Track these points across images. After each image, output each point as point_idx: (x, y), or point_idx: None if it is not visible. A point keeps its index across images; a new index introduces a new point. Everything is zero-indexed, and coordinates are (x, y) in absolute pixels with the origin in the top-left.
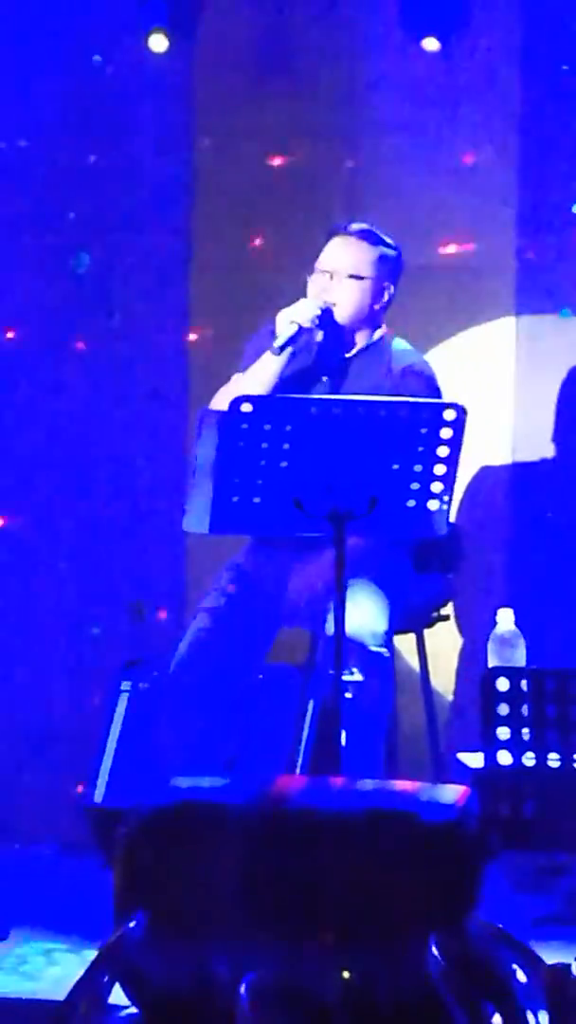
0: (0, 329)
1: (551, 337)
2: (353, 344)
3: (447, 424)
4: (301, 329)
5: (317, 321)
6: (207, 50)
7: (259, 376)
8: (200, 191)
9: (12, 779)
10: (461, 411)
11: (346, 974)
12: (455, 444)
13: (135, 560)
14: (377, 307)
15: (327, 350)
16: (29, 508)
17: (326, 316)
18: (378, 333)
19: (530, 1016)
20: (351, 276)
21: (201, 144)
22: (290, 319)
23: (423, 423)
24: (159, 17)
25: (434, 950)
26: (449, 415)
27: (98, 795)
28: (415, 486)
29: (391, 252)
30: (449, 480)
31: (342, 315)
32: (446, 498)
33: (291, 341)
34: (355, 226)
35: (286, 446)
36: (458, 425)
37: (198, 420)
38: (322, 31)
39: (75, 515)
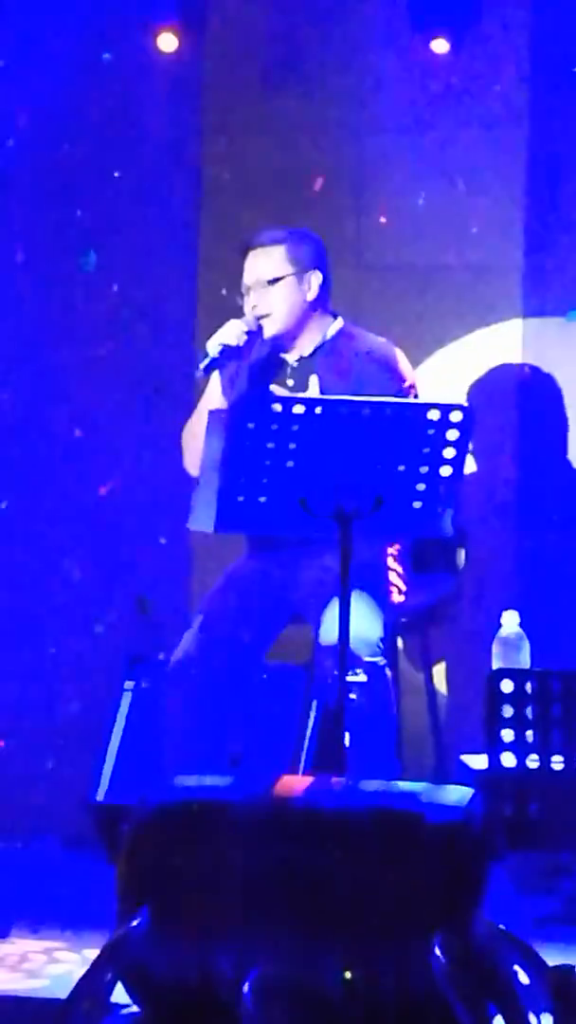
0: (7, 327)
1: (558, 339)
2: (292, 346)
3: (453, 425)
4: (226, 349)
5: (246, 337)
6: (216, 48)
7: (206, 405)
8: (208, 189)
9: (16, 775)
10: (467, 413)
11: (348, 974)
12: (461, 445)
13: (140, 558)
14: (310, 298)
15: (267, 360)
16: (34, 505)
17: (255, 334)
18: (334, 327)
19: (532, 1018)
20: (269, 282)
21: (209, 142)
22: (218, 341)
23: (429, 424)
24: (168, 16)
25: (437, 950)
26: (455, 416)
27: (101, 792)
28: (421, 487)
29: (298, 241)
30: (455, 481)
31: (276, 322)
32: (452, 499)
33: (215, 363)
34: (259, 235)
35: (292, 446)
36: (464, 426)
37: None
38: (331, 31)
39: (80, 512)
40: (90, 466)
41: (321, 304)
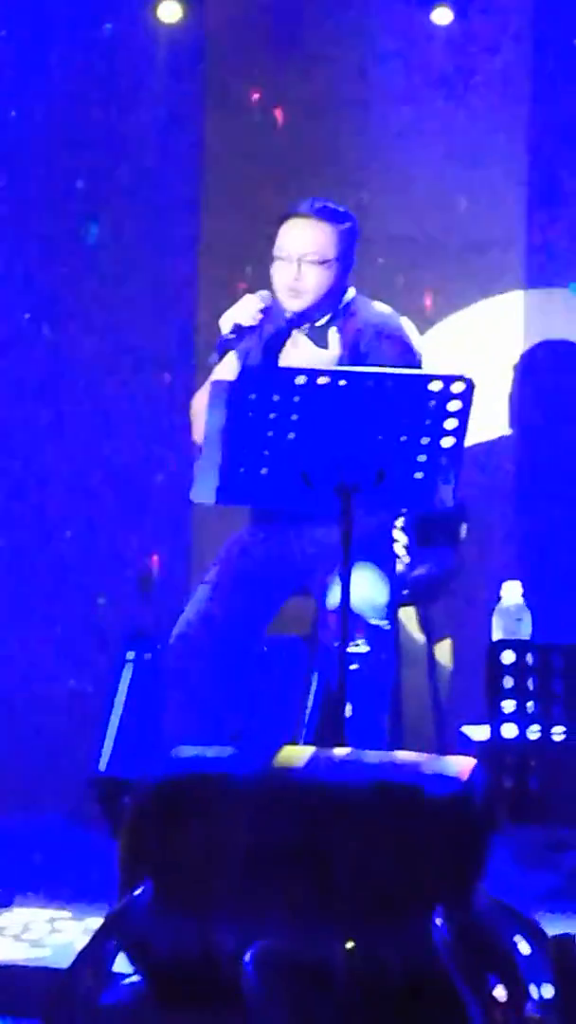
0: (8, 300)
1: (559, 311)
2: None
3: (455, 397)
4: (239, 329)
5: (260, 316)
6: (218, 21)
7: (220, 375)
8: (210, 162)
9: (17, 747)
10: (469, 384)
11: (350, 944)
12: (462, 417)
13: (141, 530)
14: (338, 282)
15: (280, 334)
16: (35, 477)
17: (270, 311)
18: (346, 297)
19: (533, 988)
20: (319, 262)
21: (211, 114)
22: (232, 320)
23: (431, 396)
24: None
25: (438, 922)
26: (457, 388)
27: (102, 764)
28: (422, 458)
29: (348, 224)
30: (456, 453)
31: (310, 301)
32: (453, 471)
33: (230, 344)
34: (315, 204)
35: (294, 417)
36: (466, 398)
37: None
38: (334, 3)
39: (81, 484)
40: (93, 441)
41: (344, 286)
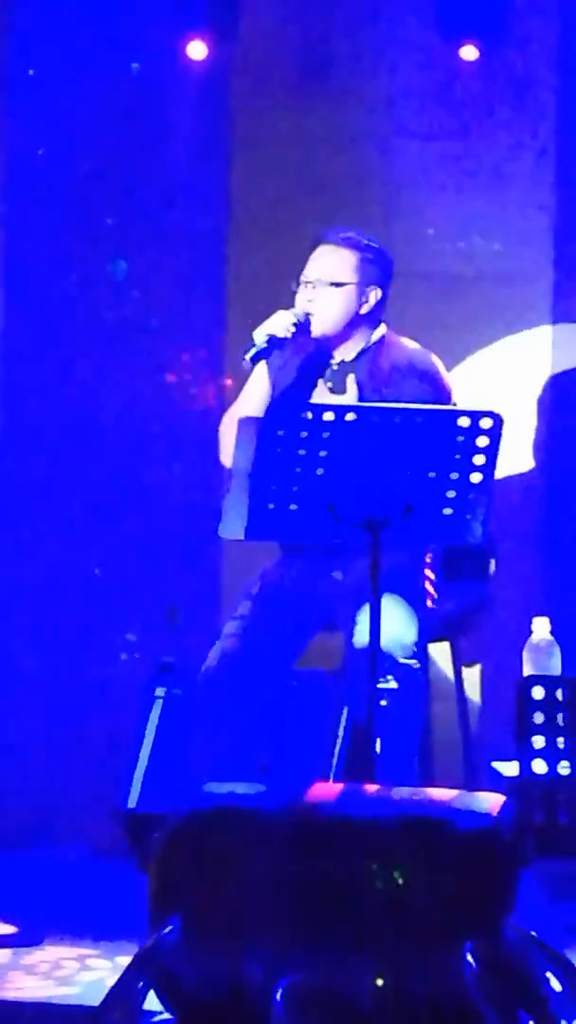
0: (37, 333)
1: None
2: (337, 349)
3: (483, 432)
4: (273, 340)
5: (294, 329)
6: (246, 56)
7: (251, 394)
8: (237, 197)
9: (46, 783)
10: (498, 419)
11: (380, 981)
12: (491, 452)
13: (170, 566)
14: (364, 311)
15: (315, 359)
16: (64, 513)
17: (304, 327)
18: (376, 333)
19: None
20: (332, 284)
21: (238, 150)
22: (265, 332)
23: (459, 431)
24: (198, 24)
25: (469, 957)
26: (486, 423)
27: (132, 800)
28: (451, 494)
29: (373, 255)
30: (485, 488)
31: (324, 323)
32: (482, 506)
33: (262, 353)
34: (342, 232)
35: (323, 453)
36: (494, 433)
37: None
38: (360, 38)
39: (110, 520)
40: (121, 477)
41: (372, 318)
